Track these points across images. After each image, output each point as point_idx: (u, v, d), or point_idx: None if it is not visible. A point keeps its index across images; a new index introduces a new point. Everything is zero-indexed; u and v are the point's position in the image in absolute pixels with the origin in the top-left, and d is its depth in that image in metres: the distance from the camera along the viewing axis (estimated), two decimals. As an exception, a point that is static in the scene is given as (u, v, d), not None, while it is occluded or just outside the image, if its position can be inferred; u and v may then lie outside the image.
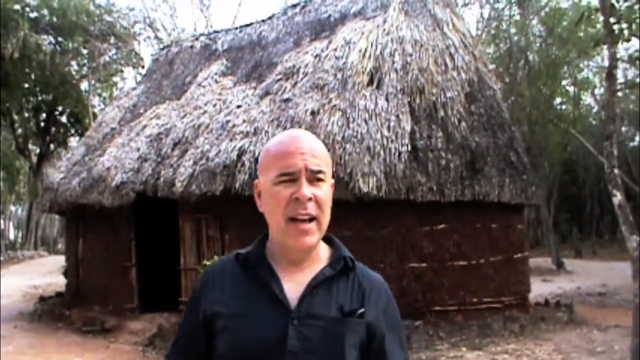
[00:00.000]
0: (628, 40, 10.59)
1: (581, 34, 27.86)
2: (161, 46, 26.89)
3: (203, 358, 1.99)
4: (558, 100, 34.18)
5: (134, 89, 20.67)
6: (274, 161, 1.95)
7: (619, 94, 34.84)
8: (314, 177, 1.94)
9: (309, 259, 2.01)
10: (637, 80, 28.92)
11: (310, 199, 1.91)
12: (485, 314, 13.19)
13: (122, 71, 41.55)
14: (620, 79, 34.59)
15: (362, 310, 1.95)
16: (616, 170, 8.48)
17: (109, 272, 15.65)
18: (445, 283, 12.93)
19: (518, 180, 13.89)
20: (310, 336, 1.87)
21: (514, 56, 31.01)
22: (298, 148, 1.94)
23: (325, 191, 1.96)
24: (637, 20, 11.45)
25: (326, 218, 1.97)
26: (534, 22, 31.71)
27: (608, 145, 8.65)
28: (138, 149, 15.39)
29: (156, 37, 40.88)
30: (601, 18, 10.79)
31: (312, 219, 1.92)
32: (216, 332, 1.93)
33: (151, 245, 15.50)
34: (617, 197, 8.38)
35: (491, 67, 24.15)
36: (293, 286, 1.95)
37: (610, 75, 9.25)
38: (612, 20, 9.47)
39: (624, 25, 10.02)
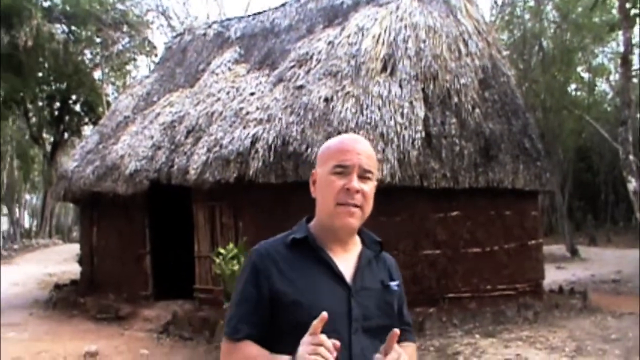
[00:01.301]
0: (644, 24, 10.48)
1: (596, 20, 27.69)
2: (174, 34, 26.83)
3: (266, 328, 2.23)
4: (572, 86, 34.07)
5: (147, 77, 20.71)
6: (334, 154, 2.33)
7: (634, 79, 34.64)
8: (364, 175, 2.32)
9: (351, 242, 2.40)
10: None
11: (358, 191, 2.28)
12: (499, 301, 13.16)
13: (135, 59, 41.68)
14: (635, 64, 34.35)
15: (397, 282, 2.43)
16: (631, 157, 8.45)
17: (123, 259, 15.73)
18: (459, 270, 12.91)
19: (532, 167, 13.82)
20: (367, 305, 2.28)
21: (528, 42, 30.86)
22: (356, 148, 2.33)
23: (370, 188, 2.34)
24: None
25: (368, 209, 2.34)
26: (549, 7, 31.51)
27: (623, 132, 8.62)
28: (152, 137, 15.42)
29: (169, 25, 40.86)
30: (616, 3, 10.70)
31: (356, 206, 2.29)
32: (284, 306, 2.21)
33: (165, 232, 15.53)
34: (632, 184, 8.36)
35: (505, 53, 24.02)
36: (343, 265, 2.32)
37: (625, 60, 9.20)
38: (627, 5, 9.38)
39: (640, 10, 9.93)
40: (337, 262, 2.31)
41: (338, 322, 2.18)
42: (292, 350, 2.09)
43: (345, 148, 2.32)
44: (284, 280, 2.23)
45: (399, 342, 2.16)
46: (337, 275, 2.28)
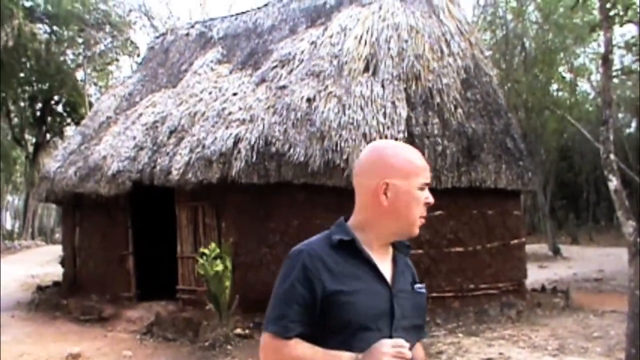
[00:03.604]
0: (623, 25, 10.56)
1: (577, 20, 27.81)
2: (157, 34, 26.76)
3: (313, 327, 2.29)
4: (554, 86, 34.15)
5: (130, 77, 20.65)
6: (421, 171, 2.46)
7: (615, 80, 34.84)
8: None
9: (388, 245, 2.53)
10: (634, 66, 28.88)
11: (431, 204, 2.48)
12: (481, 300, 13.21)
13: (117, 60, 41.53)
14: (616, 65, 34.55)
15: (423, 285, 2.58)
16: (612, 156, 8.47)
17: (106, 261, 15.68)
18: (442, 269, 12.95)
19: (514, 167, 13.88)
20: (404, 305, 2.41)
21: (510, 42, 30.97)
22: (427, 165, 2.51)
23: None
24: (634, 6, 11.45)
25: None
26: (530, 8, 31.62)
27: (604, 131, 8.63)
28: (134, 138, 15.38)
29: (151, 25, 40.77)
30: (597, 3, 10.76)
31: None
32: (336, 306, 2.27)
33: (148, 233, 15.49)
34: (613, 183, 8.38)
35: (487, 53, 24.09)
36: (382, 266, 2.42)
37: (606, 60, 9.22)
38: (608, 5, 9.44)
39: (620, 10, 9.99)
40: (377, 264, 2.41)
41: (381, 321, 2.32)
42: (338, 348, 2.25)
43: (426, 166, 2.49)
44: (334, 280, 2.30)
45: (418, 339, 2.42)
46: (380, 277, 2.39)
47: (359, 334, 2.28)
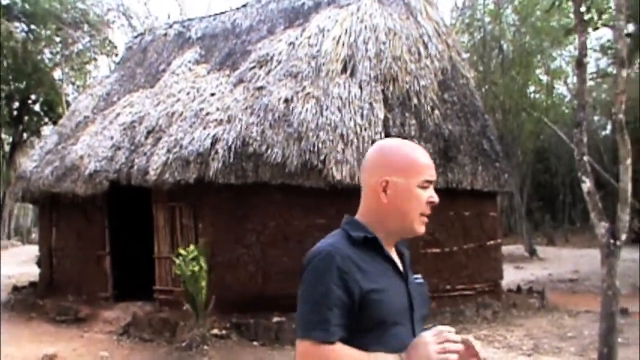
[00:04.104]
0: (597, 29, 10.69)
1: (554, 23, 28.07)
2: (135, 34, 26.65)
3: (348, 328, 2.25)
4: (531, 88, 34.49)
5: (108, 77, 20.56)
6: (423, 169, 2.44)
7: (591, 83, 35.15)
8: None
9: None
10: (609, 69, 29.14)
11: (436, 204, 2.47)
12: (458, 301, 13.30)
13: (95, 59, 41.21)
14: (592, 68, 34.84)
15: (419, 275, 2.59)
16: (586, 158, 8.58)
17: (82, 261, 15.60)
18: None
19: (491, 168, 13.98)
20: (417, 297, 2.44)
21: (488, 45, 31.22)
22: (432, 163, 2.50)
23: None
24: (609, 10, 11.58)
25: None
26: (508, 11, 31.86)
27: (578, 133, 8.74)
28: (111, 137, 15.32)
29: (130, 25, 40.54)
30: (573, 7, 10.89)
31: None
32: (372, 304, 2.26)
33: (125, 233, 15.44)
34: (587, 184, 8.48)
35: (465, 55, 24.23)
36: (396, 261, 2.46)
37: (580, 63, 9.33)
38: (582, 9, 9.55)
39: (594, 14, 10.12)
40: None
41: (405, 315, 2.36)
42: (372, 347, 2.24)
43: (429, 163, 2.47)
44: (367, 279, 2.27)
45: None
46: (399, 272, 2.42)
47: (391, 330, 2.29)
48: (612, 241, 8.05)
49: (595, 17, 10.23)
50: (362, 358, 2.21)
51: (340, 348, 2.19)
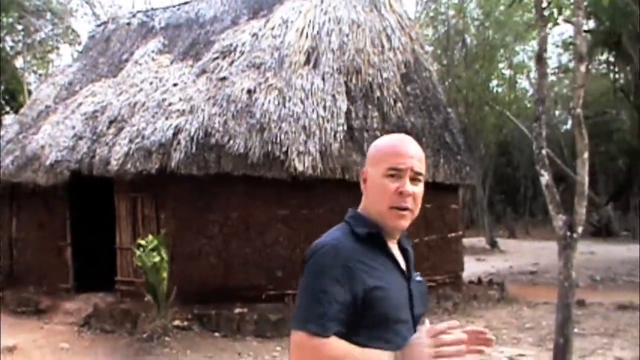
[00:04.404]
0: (557, 24, 10.81)
1: (517, 18, 28.33)
2: (98, 23, 26.35)
3: (346, 324, 2.23)
4: (494, 82, 34.72)
5: (70, 66, 20.35)
6: (386, 157, 2.37)
7: (553, 78, 35.53)
8: (415, 177, 2.38)
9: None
10: (571, 65, 29.47)
11: (409, 195, 2.35)
12: (419, 292, 13.41)
13: (58, 48, 40.76)
14: (554, 63, 35.32)
15: (419, 273, 2.56)
16: (544, 151, 8.69)
17: (43, 252, 15.48)
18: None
19: (452, 161, 14.11)
20: (416, 295, 2.42)
21: (452, 39, 31.42)
22: (409, 152, 2.38)
23: (420, 190, 2.42)
24: (571, 7, 11.71)
25: (417, 210, 2.43)
26: (472, 5, 32.06)
27: (537, 127, 8.85)
28: (73, 127, 15.19)
29: (93, 13, 40.18)
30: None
31: (407, 209, 2.37)
32: (376, 301, 2.24)
33: (87, 224, 15.33)
34: (545, 177, 8.59)
35: (429, 49, 24.38)
36: (397, 257, 2.44)
37: (540, 58, 9.44)
38: (543, 5, 9.66)
39: (555, 10, 10.22)
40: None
41: (406, 311, 2.35)
42: (371, 343, 2.22)
43: (398, 151, 2.37)
44: (371, 276, 2.25)
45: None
46: (400, 269, 2.40)
47: (393, 327, 2.27)
48: (569, 234, 8.16)
49: (556, 13, 10.31)
50: (354, 352, 2.19)
51: (334, 342, 2.18)
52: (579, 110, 8.32)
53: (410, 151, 2.38)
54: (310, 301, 2.22)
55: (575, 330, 9.71)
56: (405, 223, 2.39)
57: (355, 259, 2.24)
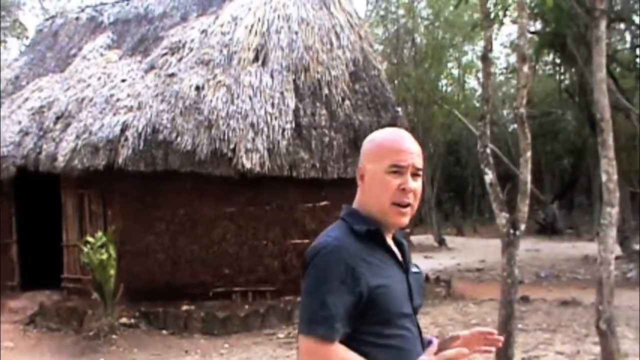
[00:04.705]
0: (502, 24, 11.01)
1: (466, 18, 28.60)
2: (46, 17, 26.04)
3: (354, 323, 2.23)
4: (443, 82, 35.07)
5: (17, 60, 20.06)
6: (388, 154, 2.34)
7: (501, 78, 36.02)
8: (415, 173, 2.37)
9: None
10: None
11: (411, 191, 2.34)
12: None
13: (5, 42, 40.15)
14: (502, 64, 35.77)
15: (416, 264, 2.57)
16: (488, 150, 8.81)
17: (-13, 249, 15.27)
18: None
19: (400, 159, 14.23)
20: (415, 288, 2.41)
21: (401, 38, 31.59)
22: (409, 147, 2.36)
23: (420, 185, 2.39)
24: (513, 7, 11.92)
25: (417, 205, 2.41)
26: (422, 4, 32.30)
27: (482, 126, 8.97)
28: (19, 122, 15.00)
29: (41, 7, 39.60)
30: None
31: (409, 205, 2.36)
32: (379, 299, 2.23)
33: (33, 221, 15.16)
34: (489, 176, 8.71)
35: (378, 47, 24.56)
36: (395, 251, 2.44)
37: (485, 57, 9.57)
38: (488, 4, 9.82)
39: (500, 10, 10.40)
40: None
41: (407, 305, 2.33)
42: (374, 340, 2.23)
43: (399, 147, 2.35)
44: (373, 274, 2.23)
45: None
46: (399, 263, 2.39)
47: (396, 322, 2.27)
48: (512, 231, 8.29)
49: (500, 14, 10.50)
50: None
51: (341, 348, 2.17)
52: (522, 110, 8.45)
53: (411, 147, 2.37)
54: (316, 304, 2.19)
55: (520, 326, 9.93)
56: (406, 219, 2.39)
57: (358, 257, 2.23)
